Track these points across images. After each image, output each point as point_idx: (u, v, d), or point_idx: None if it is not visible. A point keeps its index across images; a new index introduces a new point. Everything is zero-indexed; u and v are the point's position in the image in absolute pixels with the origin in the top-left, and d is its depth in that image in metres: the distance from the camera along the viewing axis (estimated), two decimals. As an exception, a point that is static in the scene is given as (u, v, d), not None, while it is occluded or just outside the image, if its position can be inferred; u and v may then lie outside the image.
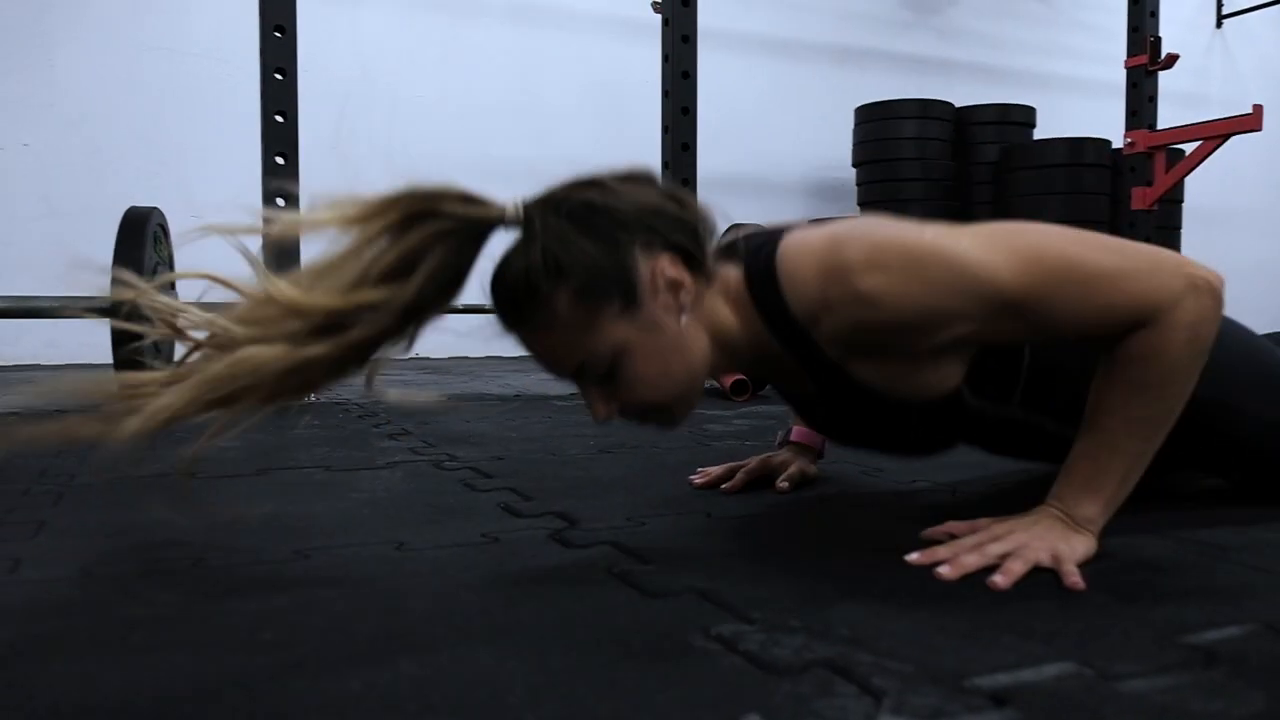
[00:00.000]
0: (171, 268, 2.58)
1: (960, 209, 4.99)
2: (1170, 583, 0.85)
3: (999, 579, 0.84)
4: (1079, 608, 0.78)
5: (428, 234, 0.83)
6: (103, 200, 2.55)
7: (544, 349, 0.92)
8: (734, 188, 5.27)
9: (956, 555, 0.88)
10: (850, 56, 5.77)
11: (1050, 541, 0.89)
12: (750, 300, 0.96)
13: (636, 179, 0.93)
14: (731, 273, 0.97)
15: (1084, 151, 4.69)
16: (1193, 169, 3.76)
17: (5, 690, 0.61)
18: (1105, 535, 0.94)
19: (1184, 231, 5.14)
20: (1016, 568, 0.85)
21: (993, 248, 0.87)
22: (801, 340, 0.95)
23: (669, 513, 1.14)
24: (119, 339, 2.17)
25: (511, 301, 0.89)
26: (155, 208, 2.39)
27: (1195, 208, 5.35)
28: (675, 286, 0.91)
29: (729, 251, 0.99)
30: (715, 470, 1.32)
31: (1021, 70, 6.11)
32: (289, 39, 2.59)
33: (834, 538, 1.04)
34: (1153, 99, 3.93)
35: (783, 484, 1.27)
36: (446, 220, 0.84)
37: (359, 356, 0.85)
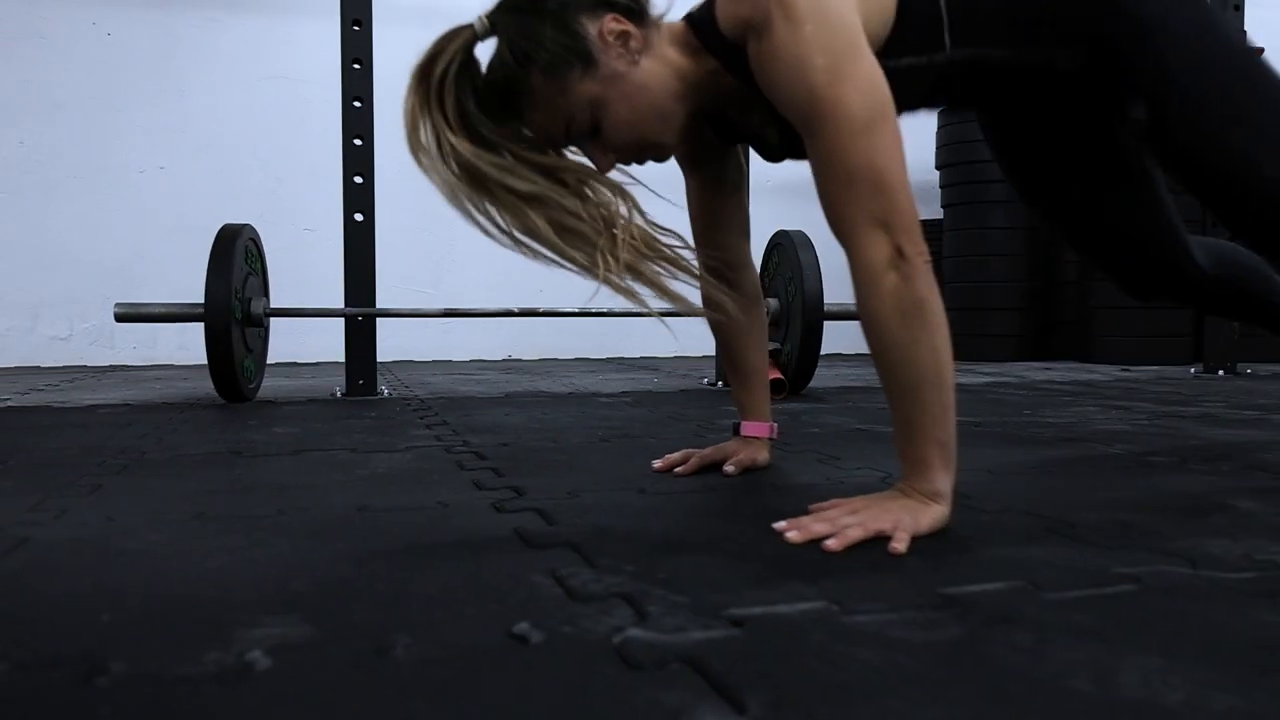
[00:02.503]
0: (264, 277, 2.90)
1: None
2: (989, 552, 0.95)
3: (832, 543, 0.96)
4: (883, 567, 0.90)
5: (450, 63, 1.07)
6: (226, 216, 2.90)
7: (538, 126, 1.13)
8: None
9: (809, 524, 1.02)
10: (940, 59, 5.73)
11: (895, 513, 1.01)
12: (696, 40, 1.14)
13: None
14: (679, 25, 1.16)
15: (1176, 149, 4.55)
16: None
17: (18, 588, 0.83)
18: (974, 511, 1.05)
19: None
20: (853, 534, 0.97)
21: (842, 70, 0.99)
22: (738, 60, 1.10)
23: (609, 489, 1.30)
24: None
25: (500, 98, 1.10)
26: (247, 224, 2.70)
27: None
28: (624, 37, 1.10)
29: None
30: (675, 456, 1.47)
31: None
32: (366, 70, 2.87)
33: (738, 511, 1.18)
34: (1238, 95, 3.80)
35: (729, 469, 1.41)
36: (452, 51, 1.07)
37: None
